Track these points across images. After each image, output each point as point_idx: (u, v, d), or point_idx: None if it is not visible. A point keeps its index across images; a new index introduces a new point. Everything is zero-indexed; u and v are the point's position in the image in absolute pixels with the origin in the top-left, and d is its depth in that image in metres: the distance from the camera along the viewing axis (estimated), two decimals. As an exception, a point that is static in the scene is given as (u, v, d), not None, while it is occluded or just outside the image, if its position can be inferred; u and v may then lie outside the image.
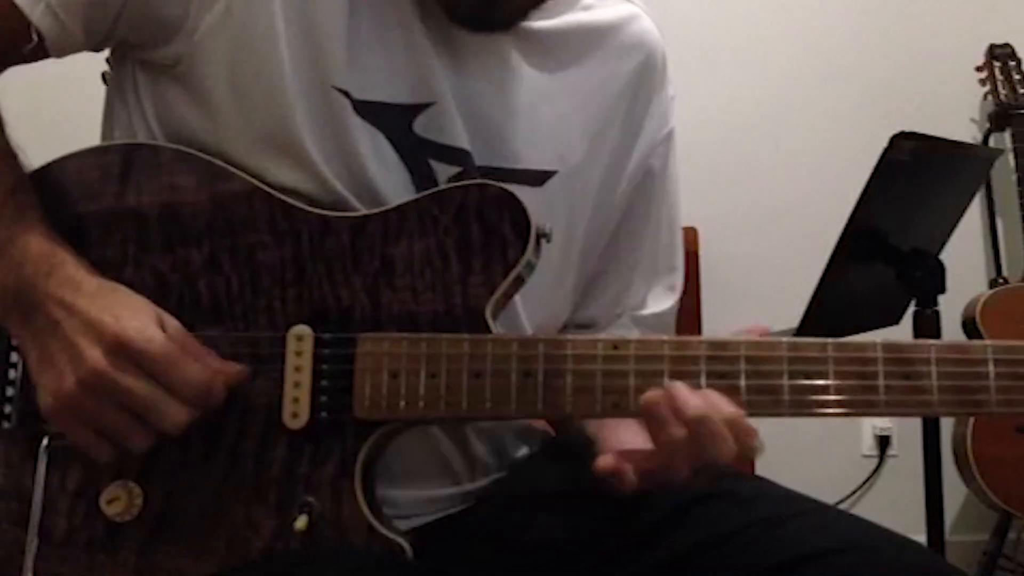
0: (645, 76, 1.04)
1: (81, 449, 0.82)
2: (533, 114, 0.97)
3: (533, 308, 0.98)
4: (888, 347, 0.80)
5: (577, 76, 1.00)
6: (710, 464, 0.79)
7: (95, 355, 0.78)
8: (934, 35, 2.86)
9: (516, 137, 0.96)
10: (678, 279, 1.10)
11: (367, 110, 0.90)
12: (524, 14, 0.95)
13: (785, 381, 0.80)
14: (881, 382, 0.79)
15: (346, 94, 0.89)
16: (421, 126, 0.92)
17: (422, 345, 0.82)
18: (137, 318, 0.80)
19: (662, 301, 1.08)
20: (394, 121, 0.92)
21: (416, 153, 0.92)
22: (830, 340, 0.80)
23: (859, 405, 0.79)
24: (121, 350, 0.78)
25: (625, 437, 0.87)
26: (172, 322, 0.83)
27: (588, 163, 1.00)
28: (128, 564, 0.83)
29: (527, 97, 0.97)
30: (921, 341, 0.81)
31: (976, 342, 0.81)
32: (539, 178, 0.97)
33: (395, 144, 0.91)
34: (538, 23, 0.97)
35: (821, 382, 0.79)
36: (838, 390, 0.79)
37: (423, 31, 0.92)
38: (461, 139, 0.93)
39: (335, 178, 0.88)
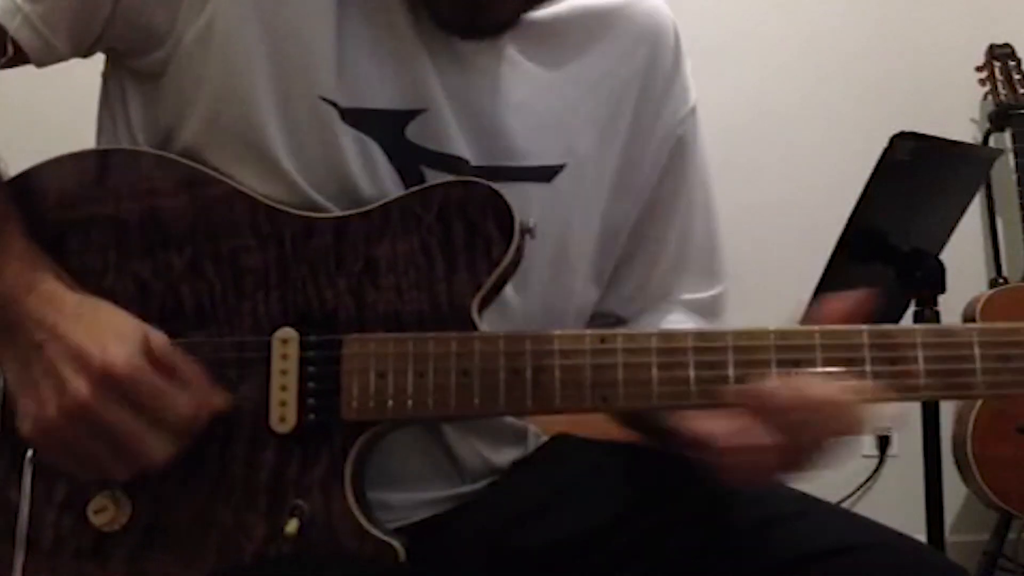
0: (658, 56, 1.01)
1: (63, 471, 0.81)
2: (536, 108, 0.95)
3: (532, 303, 0.96)
4: (874, 333, 0.80)
5: (582, 64, 0.97)
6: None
7: (80, 386, 0.76)
8: (934, 35, 2.86)
9: (519, 134, 0.94)
10: (717, 264, 1.06)
11: (357, 118, 0.89)
12: (514, 19, 0.93)
13: (774, 370, 0.79)
14: (868, 368, 0.79)
15: (333, 104, 0.88)
16: (414, 132, 0.91)
17: (408, 344, 0.82)
18: (123, 345, 0.78)
19: (701, 288, 1.05)
20: (385, 128, 0.90)
21: (409, 160, 0.91)
22: (817, 328, 0.80)
23: None
24: (107, 382, 0.76)
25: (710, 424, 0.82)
26: (159, 340, 0.81)
27: (601, 151, 0.98)
28: (117, 574, 0.82)
29: (529, 91, 0.95)
30: (907, 326, 0.81)
31: (961, 325, 0.81)
32: (547, 174, 0.95)
33: (388, 151, 0.90)
34: (537, 13, 0.95)
35: (810, 370, 0.79)
36: None
37: (416, 35, 0.91)
38: (457, 145, 0.92)
39: (313, 188, 0.87)
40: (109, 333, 0.79)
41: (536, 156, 0.94)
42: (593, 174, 0.98)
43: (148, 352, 0.79)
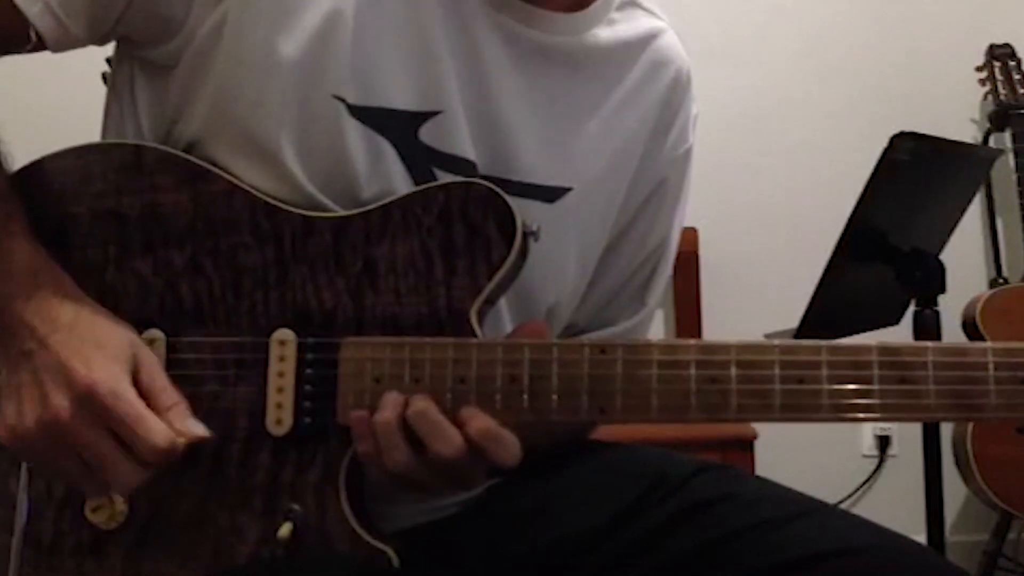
0: (672, 95, 1.01)
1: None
2: (551, 128, 0.94)
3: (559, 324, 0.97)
4: (884, 350, 0.77)
5: (600, 92, 0.97)
6: (444, 467, 0.78)
7: (61, 403, 0.76)
8: (934, 35, 2.86)
9: (529, 151, 0.93)
10: (650, 295, 1.05)
11: (369, 116, 0.88)
12: None
13: (777, 385, 0.77)
14: (876, 386, 0.77)
15: (343, 100, 0.87)
16: (427, 134, 0.90)
17: (405, 350, 0.81)
18: (109, 367, 0.78)
19: (631, 316, 1.04)
20: (399, 128, 0.89)
21: (421, 161, 0.90)
22: (824, 343, 0.78)
23: (853, 410, 0.77)
24: (88, 402, 0.76)
25: None
26: (148, 362, 0.81)
27: (608, 180, 0.97)
28: (115, 571, 0.83)
29: (546, 111, 0.94)
30: (918, 344, 0.78)
31: (975, 344, 0.78)
32: (551, 194, 0.94)
33: (400, 151, 0.89)
34: (562, 38, 0.95)
35: (814, 386, 0.77)
36: (832, 394, 0.77)
37: (442, 36, 0.90)
38: (467, 149, 0.91)
39: (316, 186, 0.87)
40: (98, 351, 0.79)
41: (542, 175, 0.94)
42: (599, 201, 0.97)
43: (135, 373, 0.79)
